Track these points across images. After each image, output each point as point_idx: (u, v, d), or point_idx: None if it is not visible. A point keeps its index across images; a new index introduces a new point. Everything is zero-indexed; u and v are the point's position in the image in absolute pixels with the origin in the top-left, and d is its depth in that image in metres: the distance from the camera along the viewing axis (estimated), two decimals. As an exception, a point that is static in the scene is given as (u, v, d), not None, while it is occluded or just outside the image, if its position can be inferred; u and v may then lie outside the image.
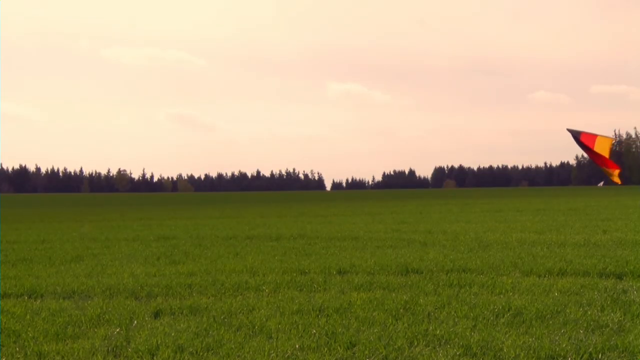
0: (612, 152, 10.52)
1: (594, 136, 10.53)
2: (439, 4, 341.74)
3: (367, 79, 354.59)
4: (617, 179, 10.51)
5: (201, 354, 6.95)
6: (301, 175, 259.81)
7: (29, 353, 7.11)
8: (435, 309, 8.79)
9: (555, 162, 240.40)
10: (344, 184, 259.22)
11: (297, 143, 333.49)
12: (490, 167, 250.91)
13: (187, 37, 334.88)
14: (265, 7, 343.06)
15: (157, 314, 8.85)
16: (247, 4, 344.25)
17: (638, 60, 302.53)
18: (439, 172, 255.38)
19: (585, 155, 10.66)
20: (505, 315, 8.33)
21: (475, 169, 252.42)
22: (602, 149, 10.44)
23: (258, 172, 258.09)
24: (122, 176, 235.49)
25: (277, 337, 7.47)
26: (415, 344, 7.17)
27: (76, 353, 7.04)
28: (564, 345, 6.94)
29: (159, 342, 7.32)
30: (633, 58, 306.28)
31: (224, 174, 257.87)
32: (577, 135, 10.51)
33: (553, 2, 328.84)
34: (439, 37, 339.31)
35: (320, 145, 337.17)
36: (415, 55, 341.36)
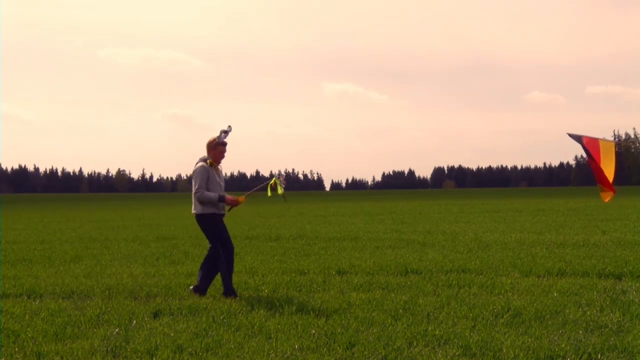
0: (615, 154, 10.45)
1: (595, 140, 10.44)
2: (435, 4, 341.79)
3: (362, 79, 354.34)
4: (607, 198, 10.39)
5: (200, 354, 6.95)
6: (300, 176, 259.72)
7: (28, 353, 7.10)
8: (435, 309, 8.79)
9: (555, 163, 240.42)
10: (343, 184, 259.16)
11: (296, 143, 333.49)
12: (490, 168, 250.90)
13: (181, 37, 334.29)
14: (259, 6, 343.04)
15: (156, 314, 8.85)
16: (241, 4, 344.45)
17: (633, 61, 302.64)
18: (438, 172, 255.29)
19: (586, 156, 10.57)
20: (505, 316, 8.34)
21: (475, 169, 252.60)
22: (607, 152, 10.33)
23: (257, 173, 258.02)
24: (121, 176, 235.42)
25: (277, 338, 7.47)
26: (415, 344, 7.17)
27: (75, 353, 7.04)
28: (563, 346, 6.95)
29: (158, 342, 7.32)
30: (628, 58, 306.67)
31: (223, 175, 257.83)
32: (579, 140, 10.45)
33: (547, 3, 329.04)
34: (433, 37, 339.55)
35: (320, 146, 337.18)
36: (409, 56, 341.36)
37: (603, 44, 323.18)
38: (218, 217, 10.11)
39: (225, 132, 10.10)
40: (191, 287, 10.43)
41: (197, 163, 10.09)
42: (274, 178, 10.58)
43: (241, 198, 10.19)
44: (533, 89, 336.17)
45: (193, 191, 9.98)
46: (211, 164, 10.05)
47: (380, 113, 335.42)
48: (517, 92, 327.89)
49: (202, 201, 9.92)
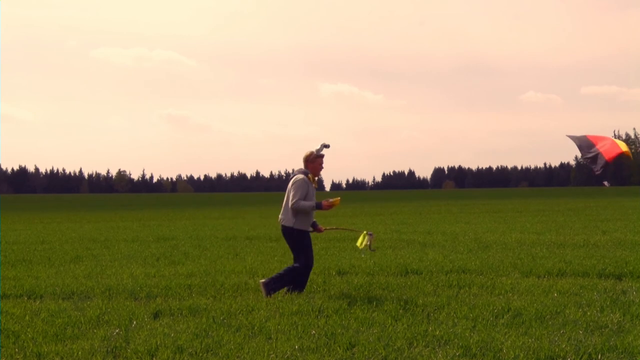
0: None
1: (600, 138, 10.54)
2: (431, 4, 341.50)
3: (357, 79, 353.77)
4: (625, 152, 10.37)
5: (200, 354, 6.95)
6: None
7: (28, 354, 7.10)
8: (435, 309, 8.79)
9: (555, 163, 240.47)
10: (343, 185, 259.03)
11: (294, 143, 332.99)
12: (490, 168, 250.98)
13: (175, 37, 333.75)
14: (254, 7, 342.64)
15: (156, 315, 8.85)
16: (236, 4, 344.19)
17: (628, 61, 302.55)
18: (438, 172, 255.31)
19: (588, 154, 10.58)
20: (505, 316, 8.34)
21: (475, 169, 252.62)
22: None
23: (257, 173, 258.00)
24: (121, 177, 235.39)
25: (277, 338, 7.47)
26: (415, 344, 7.17)
27: (75, 354, 7.04)
28: (563, 346, 6.95)
29: (158, 342, 7.32)
30: (623, 59, 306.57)
31: (224, 175, 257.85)
32: (581, 140, 10.52)
33: (543, 3, 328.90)
34: (429, 38, 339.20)
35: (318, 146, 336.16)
36: (405, 57, 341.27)
37: (598, 44, 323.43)
38: (306, 234, 10.05)
39: (326, 146, 10.05)
40: (263, 280, 10.13)
41: (294, 175, 10.02)
42: (364, 232, 10.54)
43: (336, 200, 10.05)
44: (528, 89, 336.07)
45: (291, 201, 9.87)
46: (311, 178, 10.04)
47: (376, 113, 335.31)
48: (512, 93, 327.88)
49: (298, 210, 9.86)
